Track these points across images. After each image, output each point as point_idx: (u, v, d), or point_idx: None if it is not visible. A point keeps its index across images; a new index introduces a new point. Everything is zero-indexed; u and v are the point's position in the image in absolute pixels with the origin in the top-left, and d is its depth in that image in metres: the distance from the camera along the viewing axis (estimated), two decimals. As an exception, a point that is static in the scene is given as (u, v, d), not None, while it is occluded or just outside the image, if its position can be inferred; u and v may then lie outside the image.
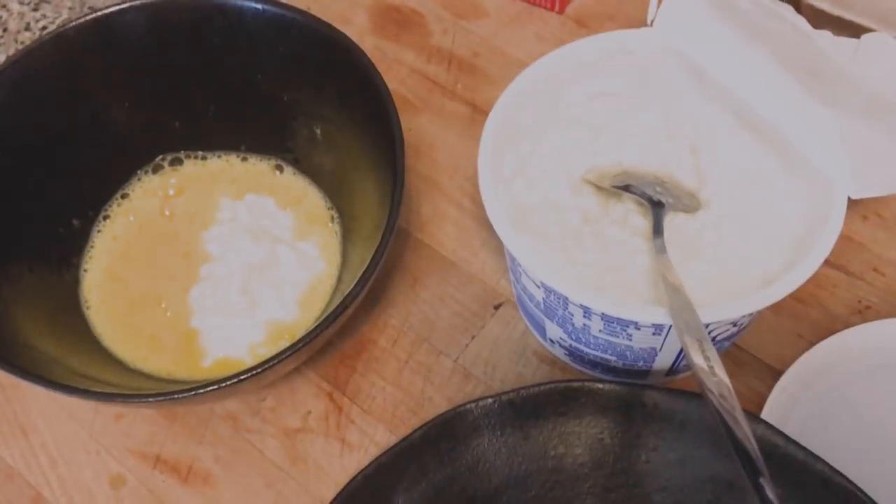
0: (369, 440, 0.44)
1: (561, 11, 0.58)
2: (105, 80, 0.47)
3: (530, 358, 0.46)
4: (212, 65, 0.47)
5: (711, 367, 0.31)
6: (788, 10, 0.45)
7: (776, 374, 0.43)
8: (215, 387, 0.35)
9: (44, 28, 0.62)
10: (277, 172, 0.49)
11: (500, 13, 0.58)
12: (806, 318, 0.46)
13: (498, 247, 0.49)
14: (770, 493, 0.30)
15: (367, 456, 0.43)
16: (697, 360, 0.32)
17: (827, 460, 0.36)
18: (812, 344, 0.43)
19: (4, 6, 0.63)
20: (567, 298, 0.37)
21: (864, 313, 0.46)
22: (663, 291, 0.36)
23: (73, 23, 0.45)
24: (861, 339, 0.43)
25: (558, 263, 0.40)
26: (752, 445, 0.30)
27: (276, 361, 0.36)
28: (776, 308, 0.45)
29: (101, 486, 0.43)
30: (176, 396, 0.35)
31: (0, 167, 0.44)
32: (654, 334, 0.37)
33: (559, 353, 0.45)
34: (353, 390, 0.45)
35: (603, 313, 0.36)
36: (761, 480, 0.30)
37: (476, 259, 0.49)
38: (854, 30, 0.50)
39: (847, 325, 0.44)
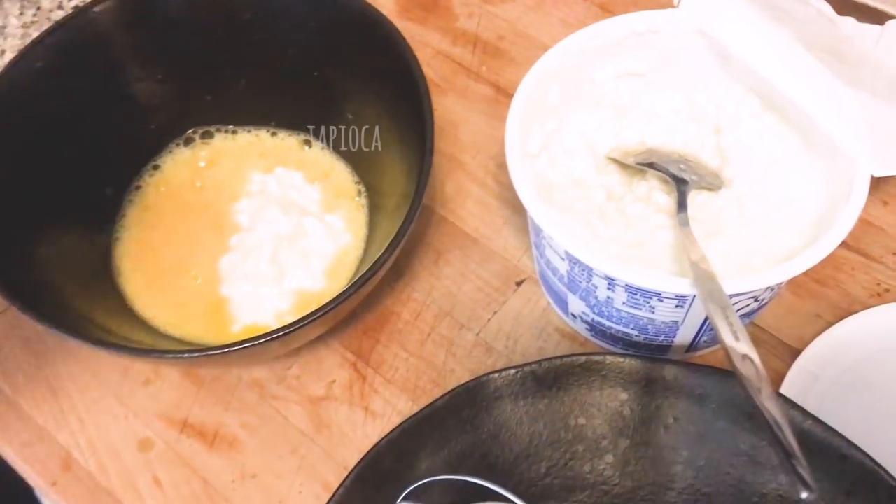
0: (392, 409, 0.44)
1: (586, -3, 0.58)
2: (138, 53, 0.48)
3: (551, 333, 0.46)
4: (243, 39, 0.48)
5: (735, 333, 0.32)
6: (813, -5, 0.46)
7: (795, 353, 0.44)
8: (248, 344, 0.35)
9: (76, 6, 0.63)
10: (306, 147, 0.50)
11: (526, -3, 0.59)
12: (825, 299, 0.46)
13: (520, 225, 0.49)
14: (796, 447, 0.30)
15: (390, 424, 0.44)
16: (722, 326, 0.32)
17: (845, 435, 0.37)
18: (831, 324, 0.44)
19: (37, -16, 0.64)
20: (591, 270, 0.37)
21: (882, 296, 0.46)
22: (685, 267, 0.37)
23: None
24: (879, 320, 0.44)
25: (582, 237, 0.40)
26: (778, 404, 0.30)
27: (303, 324, 0.37)
28: (795, 289, 0.46)
29: (129, 448, 0.44)
30: (207, 353, 0.36)
31: (36, 137, 0.45)
32: (676, 307, 0.38)
33: (581, 328, 0.45)
34: (376, 361, 0.46)
35: (627, 284, 0.37)
36: (792, 443, 0.30)
37: (498, 236, 0.49)
38: (878, 17, 0.50)
39: (865, 307, 0.44)
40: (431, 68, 0.56)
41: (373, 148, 0.48)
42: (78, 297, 0.42)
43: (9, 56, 0.61)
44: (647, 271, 0.36)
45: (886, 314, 0.44)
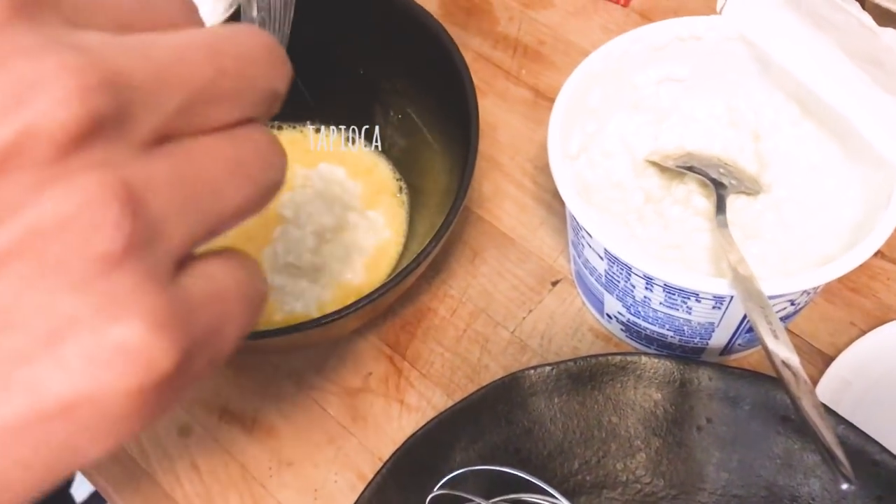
0: (427, 403, 0.45)
1: (626, 4, 0.59)
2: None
3: (586, 333, 0.47)
4: (291, 37, 0.49)
5: (774, 332, 0.32)
6: (854, 5, 0.46)
7: (828, 360, 0.44)
8: (291, 332, 0.36)
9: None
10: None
11: (567, 3, 0.60)
12: (859, 307, 0.46)
13: (556, 226, 0.50)
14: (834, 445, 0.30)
15: (425, 417, 0.44)
16: (761, 325, 0.33)
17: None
18: (864, 332, 0.44)
19: None
20: (630, 268, 0.38)
21: (918, 306, 0.46)
22: (723, 269, 0.37)
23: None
24: (915, 329, 0.44)
25: (621, 237, 0.41)
26: (815, 399, 0.31)
27: (343, 314, 0.38)
28: (830, 296, 0.46)
29: (170, 433, 0.45)
30: (250, 340, 0.37)
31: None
32: (714, 307, 0.38)
33: (615, 328, 0.46)
34: (412, 355, 0.47)
35: (665, 283, 0.37)
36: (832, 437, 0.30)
37: (534, 237, 0.50)
38: (919, 29, 0.50)
39: (901, 316, 0.45)
40: (472, 71, 0.56)
41: (416, 146, 0.49)
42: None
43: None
44: (687, 271, 0.36)
45: (921, 324, 0.44)
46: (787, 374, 0.31)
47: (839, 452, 0.29)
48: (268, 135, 0.21)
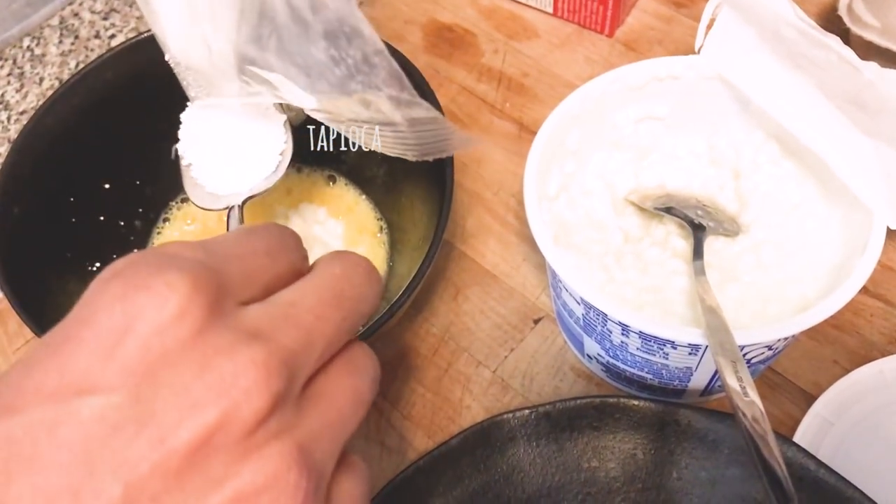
0: (408, 445, 0.45)
1: (610, 35, 0.59)
2: (168, 91, 0.49)
3: (567, 373, 0.47)
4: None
5: (744, 388, 0.32)
6: (835, 40, 0.46)
7: (811, 398, 0.43)
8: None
9: (112, 36, 0.65)
10: (330, 183, 0.51)
11: (551, 35, 0.60)
12: (842, 344, 0.46)
13: (539, 262, 0.50)
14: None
15: (406, 460, 0.44)
16: (731, 381, 0.32)
17: (858, 486, 0.37)
18: (848, 370, 0.44)
19: (76, 14, 0.66)
20: (606, 315, 0.38)
21: (901, 343, 0.46)
22: (700, 313, 0.37)
23: (143, 34, 0.47)
24: (897, 367, 0.44)
25: (598, 281, 0.41)
26: (782, 470, 0.30)
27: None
28: (813, 334, 0.46)
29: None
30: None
31: (70, 170, 0.46)
32: (690, 354, 0.38)
33: (596, 369, 0.46)
34: (393, 396, 0.46)
35: (641, 331, 0.37)
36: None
37: (517, 274, 0.50)
38: (901, 62, 0.50)
39: (884, 354, 0.44)
40: (456, 104, 0.57)
41: (396, 185, 0.49)
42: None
43: (47, 83, 0.63)
44: (660, 321, 0.36)
45: (905, 362, 0.44)
46: (754, 432, 0.30)
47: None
48: (366, 350, 0.27)
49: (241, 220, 0.42)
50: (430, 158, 0.40)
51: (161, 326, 0.20)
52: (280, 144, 0.42)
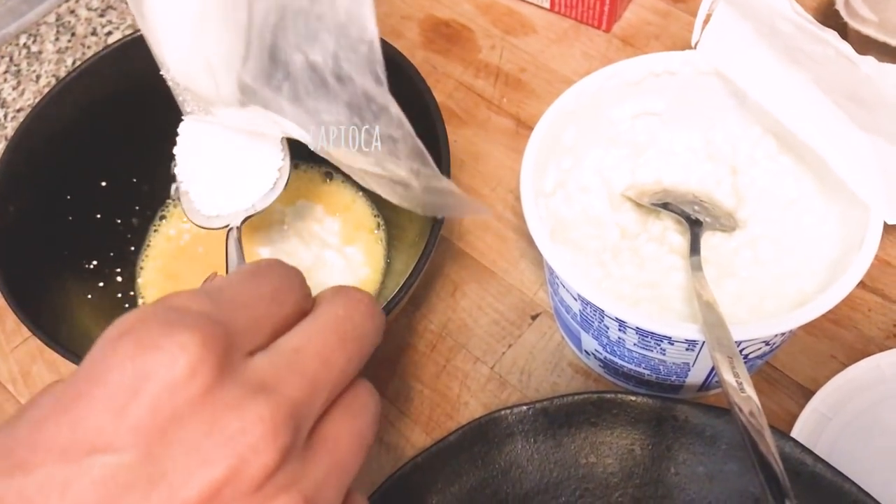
0: (406, 441, 0.45)
1: (607, 30, 0.59)
2: (165, 89, 0.49)
3: (565, 368, 0.47)
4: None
5: (741, 384, 0.32)
6: (833, 35, 0.46)
7: (808, 394, 0.44)
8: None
9: (109, 33, 0.65)
10: (327, 180, 0.51)
11: (548, 30, 0.59)
12: (840, 339, 0.46)
13: (537, 258, 0.50)
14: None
15: (404, 456, 0.44)
16: (727, 376, 0.32)
17: (856, 481, 0.37)
18: (845, 365, 0.44)
19: (73, 11, 0.66)
20: (603, 311, 0.38)
21: (899, 337, 0.46)
22: (697, 308, 0.37)
23: (140, 32, 0.47)
24: (895, 362, 0.44)
25: (595, 277, 0.41)
26: (778, 465, 0.30)
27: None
28: (810, 329, 0.46)
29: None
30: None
31: (67, 168, 0.46)
32: (687, 350, 0.38)
33: (594, 364, 0.46)
34: (392, 392, 0.46)
35: (637, 327, 0.37)
36: (787, 502, 0.30)
37: (515, 270, 0.50)
38: (899, 56, 0.50)
39: (881, 349, 0.44)
40: (453, 100, 0.57)
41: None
42: (101, 328, 0.43)
43: (44, 81, 0.63)
44: (657, 316, 0.36)
45: (902, 357, 0.44)
46: (750, 427, 0.30)
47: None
48: (367, 388, 0.27)
49: (240, 241, 0.41)
50: (440, 216, 0.40)
51: (172, 386, 0.21)
52: (278, 161, 0.42)
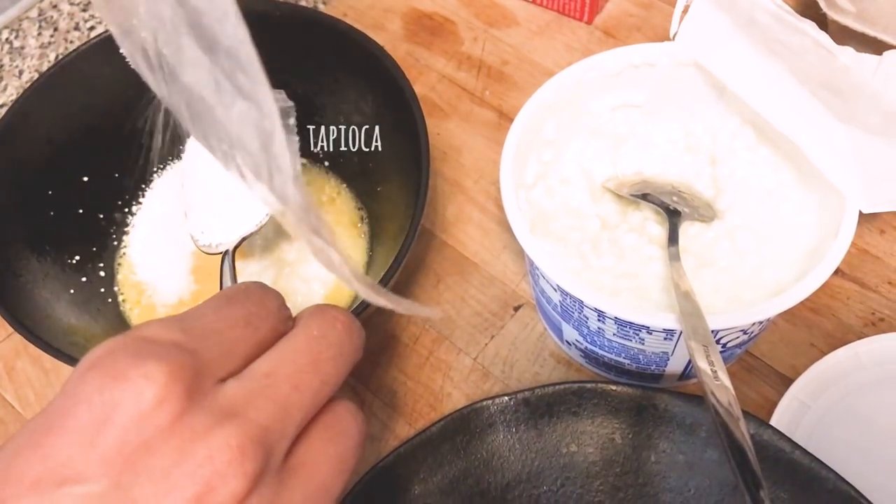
0: (390, 433, 0.45)
1: (589, 22, 0.59)
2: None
3: (547, 359, 0.47)
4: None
5: (715, 372, 0.32)
6: (811, 26, 0.46)
7: (787, 382, 0.44)
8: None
9: (92, 28, 0.65)
10: (314, 171, 0.51)
11: (530, 23, 0.60)
12: (819, 328, 0.46)
13: (519, 250, 0.50)
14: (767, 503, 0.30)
15: (387, 447, 0.45)
16: (702, 364, 0.33)
17: (834, 468, 0.38)
18: (824, 354, 0.44)
19: (55, 6, 0.66)
20: (582, 302, 0.38)
21: (877, 325, 0.46)
22: (675, 298, 0.38)
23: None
24: (873, 350, 0.44)
25: (575, 268, 0.41)
26: (751, 452, 0.31)
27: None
28: (790, 317, 0.47)
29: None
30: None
31: (49, 163, 0.46)
32: (665, 339, 0.38)
33: (575, 354, 0.46)
34: (375, 384, 0.47)
35: (616, 317, 0.37)
36: (761, 493, 0.30)
37: (498, 261, 0.50)
38: (877, 46, 0.50)
39: (860, 337, 0.45)
40: (436, 92, 0.57)
41: (375, 175, 0.49)
42: (84, 323, 0.43)
43: (26, 76, 0.63)
44: (634, 306, 0.37)
45: (880, 344, 0.44)
46: (724, 414, 0.31)
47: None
48: (349, 409, 0.27)
49: (233, 264, 0.42)
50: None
51: (139, 417, 0.21)
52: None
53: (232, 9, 0.23)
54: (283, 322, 0.26)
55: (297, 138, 0.26)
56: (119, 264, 0.49)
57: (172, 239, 0.48)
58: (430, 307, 0.38)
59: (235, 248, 0.43)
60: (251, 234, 0.44)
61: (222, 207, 0.44)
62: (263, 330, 0.25)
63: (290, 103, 0.26)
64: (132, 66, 0.35)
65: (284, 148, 0.25)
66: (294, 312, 0.46)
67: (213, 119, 0.28)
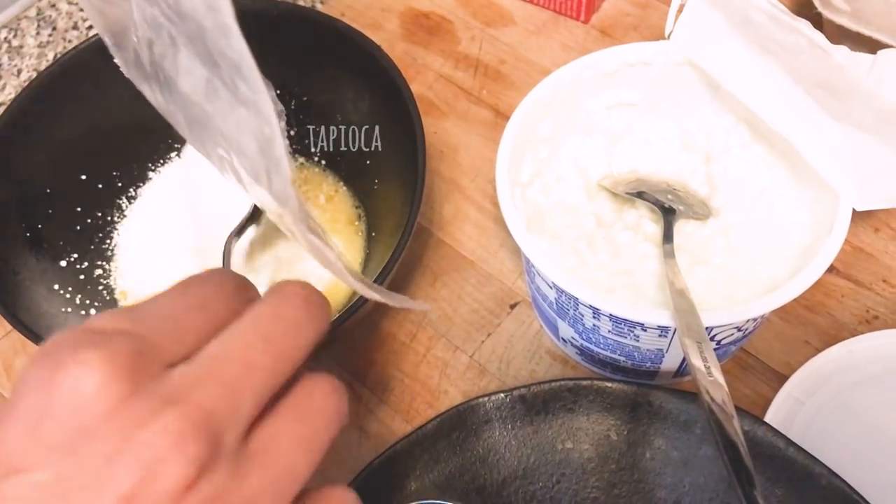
0: (386, 429, 0.46)
1: (586, 21, 0.59)
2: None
3: (543, 356, 0.47)
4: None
5: (709, 369, 0.33)
6: (806, 25, 0.47)
7: (782, 379, 0.44)
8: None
9: (90, 27, 0.65)
10: (313, 170, 0.51)
11: (527, 22, 0.60)
12: (814, 325, 0.47)
13: (515, 248, 0.50)
14: (759, 499, 0.31)
15: (384, 444, 0.45)
16: (696, 361, 0.33)
17: (828, 465, 0.38)
18: (819, 351, 0.44)
19: (53, 5, 0.66)
20: (577, 299, 0.38)
21: (871, 323, 0.47)
22: (670, 295, 0.38)
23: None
24: (867, 347, 0.44)
25: (570, 265, 0.41)
26: (743, 448, 0.31)
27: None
28: (784, 315, 0.47)
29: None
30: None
31: (47, 161, 0.47)
32: (660, 336, 0.39)
33: (571, 352, 0.46)
34: (372, 381, 0.47)
35: (611, 314, 0.38)
36: (754, 490, 0.31)
37: (494, 259, 0.51)
38: (871, 46, 0.51)
39: (854, 334, 0.45)
40: (433, 91, 0.57)
41: (372, 173, 0.49)
42: (82, 320, 0.44)
43: (25, 75, 0.63)
44: (629, 303, 0.37)
45: (874, 341, 0.44)
46: (717, 410, 0.31)
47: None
48: (323, 386, 0.25)
49: (229, 250, 0.43)
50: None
51: (77, 405, 0.21)
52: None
53: (233, 25, 0.23)
54: (243, 304, 0.25)
55: (287, 141, 0.26)
56: (116, 262, 0.49)
57: (170, 237, 0.49)
58: (421, 302, 0.38)
59: (237, 235, 0.43)
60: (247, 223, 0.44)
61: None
62: (220, 313, 0.24)
63: (281, 107, 0.26)
64: (126, 76, 0.35)
65: (284, 151, 0.25)
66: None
67: (210, 125, 0.29)
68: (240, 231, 0.46)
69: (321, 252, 0.27)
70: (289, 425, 0.24)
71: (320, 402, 0.25)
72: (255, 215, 0.47)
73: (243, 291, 0.26)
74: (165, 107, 0.33)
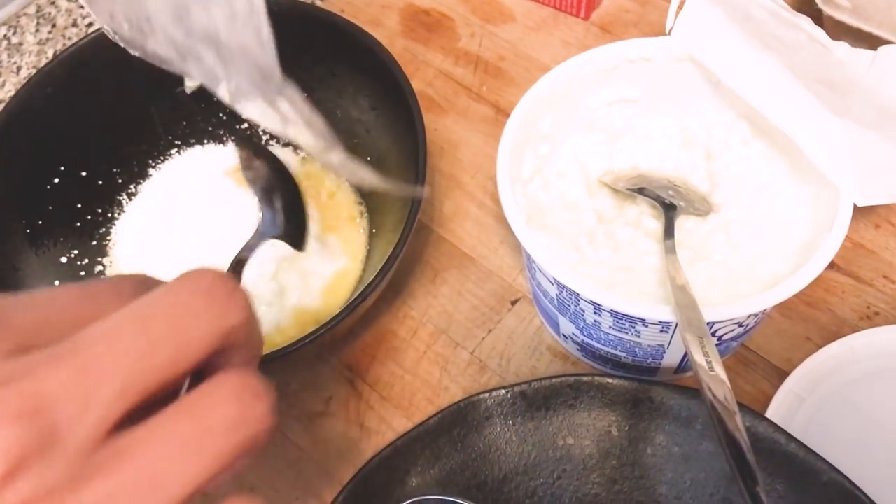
0: (387, 426, 0.46)
1: (586, 18, 0.59)
2: (144, 79, 0.49)
3: (544, 352, 0.47)
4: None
5: (710, 363, 0.33)
6: (806, 21, 0.47)
7: (783, 375, 0.44)
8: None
9: (89, 24, 0.65)
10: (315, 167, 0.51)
11: (527, 18, 0.60)
12: (815, 321, 0.47)
13: (516, 244, 0.50)
14: (762, 495, 0.31)
15: (385, 441, 0.45)
16: (697, 356, 0.33)
17: (829, 460, 0.38)
18: (819, 347, 0.44)
19: (53, 3, 0.66)
20: (578, 295, 0.38)
21: (872, 319, 0.47)
22: (671, 291, 0.38)
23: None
24: (868, 343, 0.44)
25: (571, 261, 0.41)
26: (745, 443, 0.31)
27: (299, 345, 0.38)
28: (785, 311, 0.47)
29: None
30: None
31: (47, 158, 0.46)
32: (661, 332, 0.39)
33: (572, 348, 0.46)
34: (373, 378, 0.47)
35: (612, 310, 0.38)
36: (758, 490, 0.31)
37: (495, 256, 0.51)
38: (872, 42, 0.50)
39: (854, 330, 0.45)
40: (433, 88, 0.57)
41: (374, 169, 0.49)
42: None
43: (24, 72, 0.63)
44: (630, 298, 0.37)
45: (875, 337, 0.44)
46: (718, 405, 0.31)
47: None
48: (234, 382, 0.21)
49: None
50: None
51: None
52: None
53: None
54: (136, 294, 0.22)
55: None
56: (116, 258, 0.49)
57: (169, 233, 0.49)
58: (415, 187, 0.37)
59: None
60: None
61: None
62: (110, 304, 0.21)
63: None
64: (111, 39, 0.34)
65: (271, 38, 0.24)
66: (292, 305, 0.46)
67: (198, 24, 0.27)
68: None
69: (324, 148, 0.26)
70: (171, 425, 0.20)
71: (221, 402, 0.21)
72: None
73: (142, 287, 0.23)
74: (154, 48, 0.31)
